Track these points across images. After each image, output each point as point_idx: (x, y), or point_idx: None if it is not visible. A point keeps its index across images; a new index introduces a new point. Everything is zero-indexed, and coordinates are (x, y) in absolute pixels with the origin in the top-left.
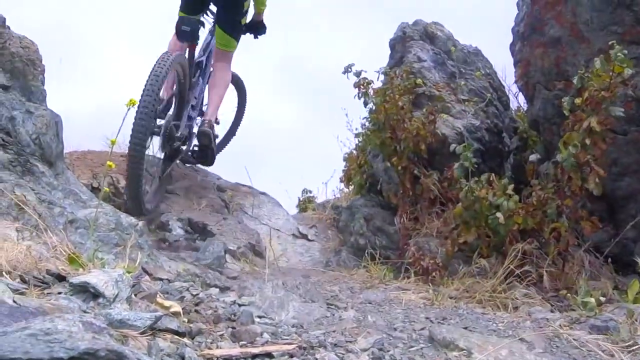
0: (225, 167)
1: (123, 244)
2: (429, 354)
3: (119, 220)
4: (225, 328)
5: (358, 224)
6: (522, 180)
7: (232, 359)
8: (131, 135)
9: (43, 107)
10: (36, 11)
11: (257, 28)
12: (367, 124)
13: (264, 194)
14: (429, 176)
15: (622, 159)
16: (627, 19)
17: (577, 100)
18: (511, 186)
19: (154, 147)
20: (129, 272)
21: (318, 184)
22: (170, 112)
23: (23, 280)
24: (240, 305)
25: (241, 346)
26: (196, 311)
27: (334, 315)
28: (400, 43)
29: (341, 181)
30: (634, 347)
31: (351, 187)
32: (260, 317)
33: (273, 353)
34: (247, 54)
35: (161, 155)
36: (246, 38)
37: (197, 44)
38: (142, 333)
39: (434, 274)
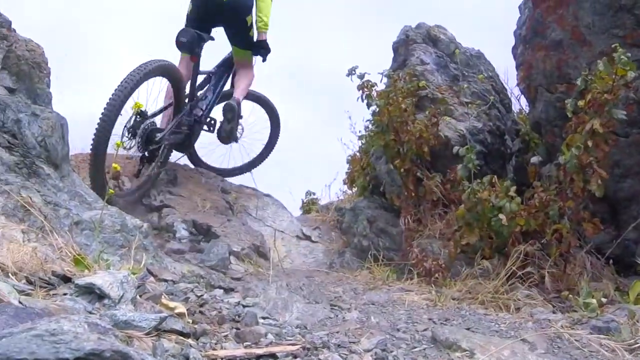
0: (220, 162)
1: (128, 245)
2: (432, 354)
3: (124, 222)
4: (229, 329)
5: (361, 226)
6: (524, 182)
7: None
8: (93, 134)
9: (49, 109)
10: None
11: (261, 50)
12: (370, 126)
13: (268, 195)
14: (431, 178)
15: (624, 161)
16: (628, 22)
17: (580, 103)
18: (513, 188)
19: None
20: (134, 274)
21: (322, 186)
22: (158, 118)
23: (29, 282)
24: (244, 306)
25: (245, 347)
26: (201, 312)
27: (337, 316)
28: (403, 46)
29: (344, 183)
30: (635, 348)
31: (354, 189)
32: (264, 318)
33: (277, 354)
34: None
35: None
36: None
37: (197, 55)
38: (147, 334)
39: (436, 275)
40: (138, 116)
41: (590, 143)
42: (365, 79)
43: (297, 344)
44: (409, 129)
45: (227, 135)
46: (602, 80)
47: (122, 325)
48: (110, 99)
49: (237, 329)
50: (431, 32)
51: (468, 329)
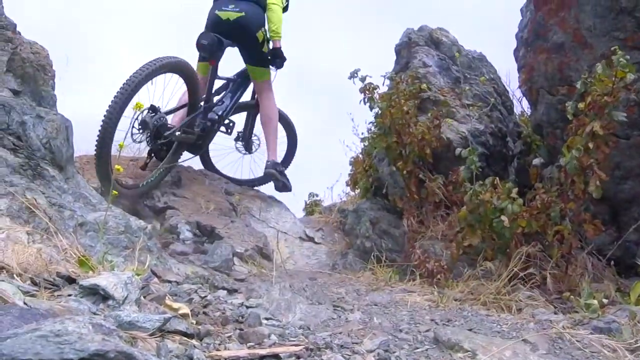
0: (233, 171)
1: (132, 246)
2: (434, 355)
3: (128, 224)
4: (233, 330)
5: (364, 227)
6: (526, 184)
7: None
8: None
9: (53, 112)
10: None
11: (275, 59)
12: (372, 128)
13: (271, 197)
14: (434, 180)
15: (624, 163)
16: (629, 25)
17: (581, 105)
18: (515, 190)
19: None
20: (138, 275)
21: (324, 187)
22: (168, 115)
23: (34, 283)
24: (247, 307)
25: (249, 347)
26: (204, 313)
27: (340, 317)
28: (405, 48)
29: (347, 185)
30: (636, 348)
31: (357, 191)
32: (267, 319)
33: (280, 354)
34: None
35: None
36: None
37: (216, 59)
38: (151, 334)
39: (439, 276)
40: (151, 111)
41: (590, 145)
42: (367, 81)
43: (300, 345)
44: (411, 131)
45: (286, 189)
46: (601, 82)
47: (126, 326)
48: (120, 88)
49: (241, 329)
50: (433, 34)
51: (470, 329)
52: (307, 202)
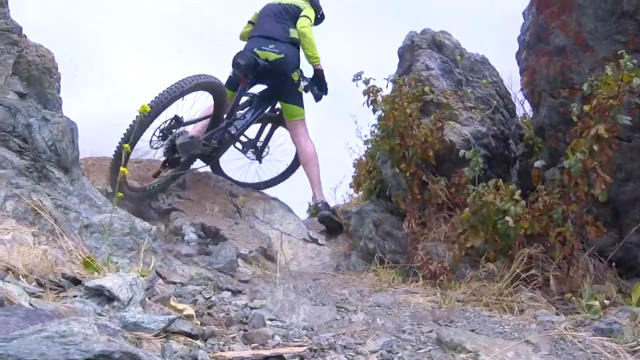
0: (237, 173)
1: (137, 248)
2: (437, 356)
3: (133, 225)
4: (237, 331)
5: (367, 229)
6: (528, 186)
7: None
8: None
9: (59, 114)
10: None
11: (319, 83)
12: (376, 130)
13: (275, 199)
14: (437, 182)
15: (626, 165)
16: (630, 28)
17: (586, 108)
18: (518, 192)
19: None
20: (143, 276)
21: (328, 189)
22: (187, 127)
23: (39, 284)
24: (251, 308)
25: (253, 348)
26: (209, 314)
27: (343, 318)
28: (408, 51)
29: (351, 187)
30: (637, 349)
31: (360, 193)
32: (271, 320)
33: (284, 355)
34: None
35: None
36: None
37: (248, 80)
38: (155, 335)
39: (441, 277)
40: (174, 121)
41: (595, 147)
42: (370, 84)
43: (303, 346)
44: (414, 133)
45: (340, 229)
46: (607, 85)
47: (131, 327)
48: (155, 97)
49: (245, 330)
50: (436, 37)
51: (472, 330)
52: (311, 204)
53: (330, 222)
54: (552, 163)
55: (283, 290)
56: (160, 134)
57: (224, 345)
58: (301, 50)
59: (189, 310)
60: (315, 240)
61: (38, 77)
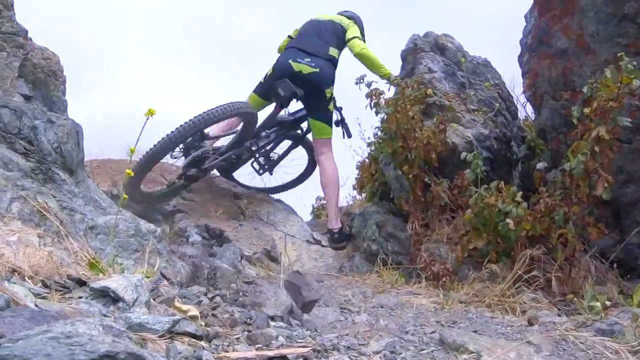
0: (241, 175)
1: (142, 249)
2: (440, 356)
3: (138, 227)
4: (241, 331)
5: (370, 230)
6: (530, 187)
7: None
8: (162, 139)
9: (64, 116)
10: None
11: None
12: (379, 133)
13: (279, 201)
14: (439, 184)
15: (627, 167)
16: (631, 31)
17: (586, 110)
18: (520, 193)
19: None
20: (147, 277)
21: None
22: (207, 146)
23: (45, 285)
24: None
25: (257, 349)
26: (213, 315)
27: (347, 319)
28: (411, 54)
29: (354, 189)
30: (639, 350)
31: (364, 195)
32: (275, 321)
33: (288, 356)
34: (259, 62)
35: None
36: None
37: (282, 108)
38: (160, 336)
39: (444, 279)
40: (200, 135)
41: (596, 149)
42: (373, 87)
43: (307, 346)
44: (416, 135)
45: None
46: (607, 88)
47: (136, 328)
48: (190, 120)
49: (249, 331)
50: (439, 40)
51: (475, 331)
52: (315, 206)
53: (338, 244)
54: (553, 165)
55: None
56: (184, 147)
57: (228, 346)
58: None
59: (194, 311)
60: (318, 242)
61: (43, 79)
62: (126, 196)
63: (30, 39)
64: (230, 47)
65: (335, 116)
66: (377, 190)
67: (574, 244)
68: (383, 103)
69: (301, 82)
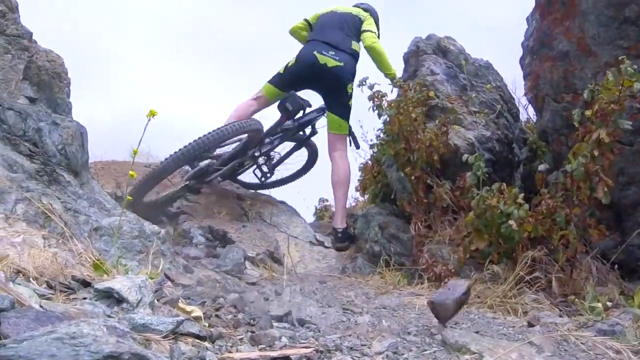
0: (245, 177)
1: (146, 251)
2: (442, 357)
3: (142, 228)
4: (244, 332)
5: (373, 232)
6: (532, 189)
7: None
8: (170, 157)
9: (69, 118)
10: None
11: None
12: (381, 135)
13: (282, 202)
14: (441, 185)
15: (628, 169)
16: (632, 34)
17: (587, 112)
18: (521, 195)
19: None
20: (151, 278)
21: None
22: (211, 155)
23: (49, 286)
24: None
25: (260, 350)
26: (217, 316)
27: (349, 319)
28: (414, 57)
29: (357, 190)
30: None
31: (366, 196)
32: (278, 321)
33: (291, 356)
34: (259, 62)
35: (183, 183)
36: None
37: (288, 119)
38: (164, 337)
39: (446, 280)
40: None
41: (596, 152)
42: (375, 89)
43: (310, 347)
44: (419, 137)
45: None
46: (608, 91)
47: (140, 329)
48: (208, 133)
49: (252, 332)
50: (441, 43)
51: (477, 332)
52: (318, 207)
53: (341, 245)
54: (555, 167)
55: (290, 293)
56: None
57: (231, 347)
58: (369, 63)
59: (197, 312)
60: (321, 243)
61: (48, 82)
62: (130, 197)
63: (35, 42)
64: (230, 47)
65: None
66: (380, 191)
67: (575, 246)
68: (385, 105)
69: (325, 74)
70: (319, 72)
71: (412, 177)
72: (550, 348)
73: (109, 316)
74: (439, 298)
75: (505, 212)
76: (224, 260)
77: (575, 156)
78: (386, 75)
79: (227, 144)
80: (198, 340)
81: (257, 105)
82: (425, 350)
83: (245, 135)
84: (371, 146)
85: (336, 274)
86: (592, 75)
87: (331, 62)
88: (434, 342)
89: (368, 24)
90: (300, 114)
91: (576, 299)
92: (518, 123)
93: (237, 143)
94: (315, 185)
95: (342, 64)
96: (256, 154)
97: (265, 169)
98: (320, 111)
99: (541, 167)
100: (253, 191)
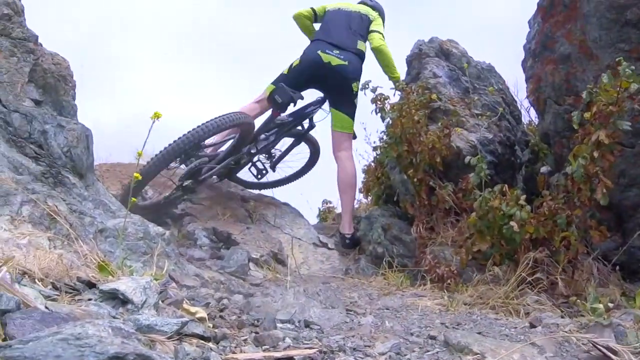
0: (248, 178)
1: (151, 252)
2: (444, 358)
3: (147, 230)
4: (248, 333)
5: (376, 233)
6: (534, 191)
7: None
8: (149, 163)
9: (74, 121)
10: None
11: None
12: (384, 137)
13: (285, 204)
14: (444, 187)
15: (629, 171)
16: (633, 37)
17: (586, 115)
18: (523, 197)
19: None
20: (156, 280)
21: (337, 195)
22: (205, 154)
23: (55, 287)
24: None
25: (264, 350)
26: (221, 317)
27: (353, 320)
28: (416, 59)
29: (360, 192)
30: None
31: (369, 198)
32: (282, 322)
33: (295, 357)
34: (260, 62)
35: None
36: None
37: (280, 113)
38: (169, 338)
39: (449, 281)
40: (200, 143)
41: (596, 154)
42: (378, 92)
43: (314, 348)
44: (421, 140)
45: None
46: (606, 92)
47: (145, 330)
48: (191, 131)
49: (256, 333)
50: (443, 46)
51: (479, 333)
52: (321, 209)
53: (348, 248)
54: (557, 169)
55: (293, 294)
56: (183, 158)
57: (235, 348)
58: (372, 63)
59: (202, 313)
60: (325, 245)
61: (53, 84)
62: (134, 199)
63: (41, 45)
64: (231, 48)
65: None
66: (383, 193)
67: (576, 247)
68: (388, 108)
69: (329, 73)
70: (323, 70)
71: (415, 179)
72: (552, 349)
73: (114, 317)
74: None
75: (507, 213)
76: (228, 261)
77: (575, 158)
78: (390, 78)
79: (224, 141)
80: (202, 341)
81: (260, 108)
82: (428, 351)
83: (238, 131)
84: (374, 148)
85: (339, 275)
86: (593, 78)
87: (335, 61)
88: (436, 342)
89: (376, 24)
90: (292, 107)
91: (578, 300)
92: (520, 125)
93: (231, 141)
94: (318, 186)
95: (346, 62)
96: (252, 151)
97: (260, 166)
98: (316, 104)
99: (543, 169)
100: (257, 193)
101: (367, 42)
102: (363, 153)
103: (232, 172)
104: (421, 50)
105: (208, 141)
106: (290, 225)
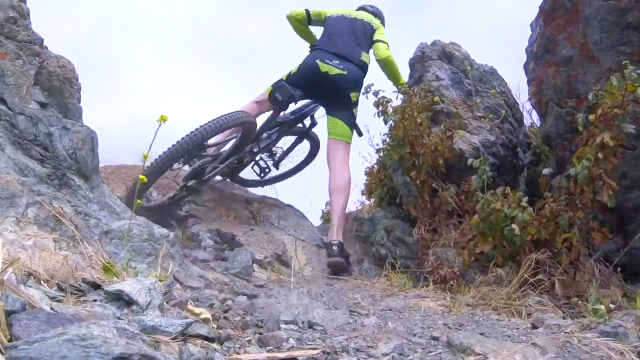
0: (249, 176)
1: (155, 253)
2: (447, 358)
3: (152, 231)
4: (252, 334)
5: (379, 235)
6: (536, 193)
7: None
8: (161, 155)
9: (79, 123)
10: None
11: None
12: (387, 140)
13: (289, 206)
14: (446, 189)
15: (631, 173)
16: (634, 39)
17: (591, 117)
18: (525, 199)
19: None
20: (161, 281)
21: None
22: (208, 154)
23: (60, 288)
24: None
25: (268, 351)
26: (225, 318)
27: (356, 321)
28: (419, 62)
29: (363, 194)
30: None
31: (372, 200)
32: (286, 323)
33: (298, 358)
34: (260, 62)
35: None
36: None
37: (281, 112)
38: (173, 338)
39: (451, 282)
40: (203, 143)
41: (600, 155)
42: (380, 95)
43: (317, 349)
44: (424, 142)
45: (346, 272)
46: (612, 95)
47: (149, 330)
48: (194, 131)
49: (260, 333)
50: (446, 49)
51: (481, 333)
52: (324, 211)
53: (337, 269)
54: (559, 171)
55: (297, 295)
56: (187, 158)
57: (239, 348)
58: (376, 73)
59: (206, 314)
60: None
61: (59, 87)
62: (139, 201)
63: (46, 47)
64: (231, 48)
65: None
66: (386, 195)
67: (578, 248)
68: (390, 111)
69: (327, 81)
70: (320, 79)
71: (418, 181)
72: (554, 349)
73: (119, 318)
74: None
75: (509, 215)
76: (232, 263)
77: (579, 160)
78: (395, 85)
79: (227, 141)
80: (207, 342)
81: (259, 108)
82: (431, 352)
83: (240, 130)
84: (377, 151)
85: (343, 277)
86: (595, 81)
87: (333, 70)
88: (439, 343)
89: (380, 33)
90: (297, 110)
91: (579, 301)
92: (522, 128)
93: (234, 140)
94: (321, 188)
95: (345, 72)
96: (255, 150)
97: (263, 164)
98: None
99: (545, 171)
100: (260, 195)
101: (372, 52)
102: (366, 155)
103: (235, 171)
104: (424, 53)
105: (210, 141)
106: (294, 227)
